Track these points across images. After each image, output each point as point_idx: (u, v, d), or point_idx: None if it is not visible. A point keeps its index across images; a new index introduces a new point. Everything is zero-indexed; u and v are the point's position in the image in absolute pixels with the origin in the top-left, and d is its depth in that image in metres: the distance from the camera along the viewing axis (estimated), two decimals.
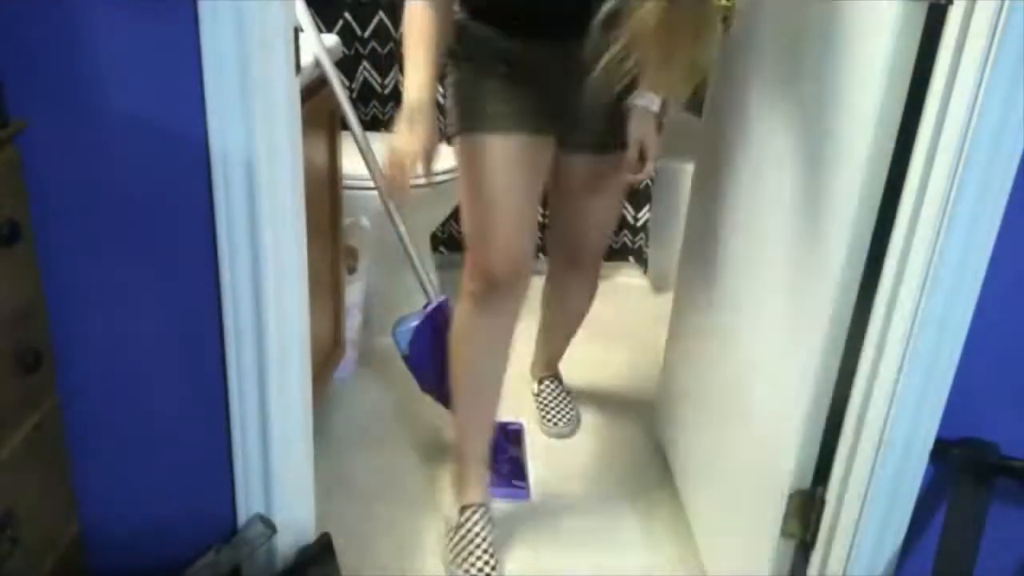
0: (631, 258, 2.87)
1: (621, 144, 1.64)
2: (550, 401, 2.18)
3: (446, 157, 2.37)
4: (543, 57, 1.56)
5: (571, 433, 2.14)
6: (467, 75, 1.64)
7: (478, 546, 1.71)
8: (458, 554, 1.71)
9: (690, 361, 1.90)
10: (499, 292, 1.63)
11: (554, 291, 2.10)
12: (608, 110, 1.61)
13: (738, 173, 1.64)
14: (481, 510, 1.76)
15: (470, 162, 1.62)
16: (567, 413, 2.16)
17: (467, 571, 1.68)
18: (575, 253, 1.94)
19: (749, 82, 1.60)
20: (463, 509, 1.77)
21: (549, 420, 2.15)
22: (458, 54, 1.63)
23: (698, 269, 1.86)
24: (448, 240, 2.90)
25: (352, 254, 2.24)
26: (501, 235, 1.60)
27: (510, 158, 1.58)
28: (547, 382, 2.21)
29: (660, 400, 2.12)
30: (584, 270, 1.99)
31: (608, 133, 1.65)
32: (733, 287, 1.64)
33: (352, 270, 2.24)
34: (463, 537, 1.73)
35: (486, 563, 1.69)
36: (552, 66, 1.55)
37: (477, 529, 1.74)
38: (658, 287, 2.84)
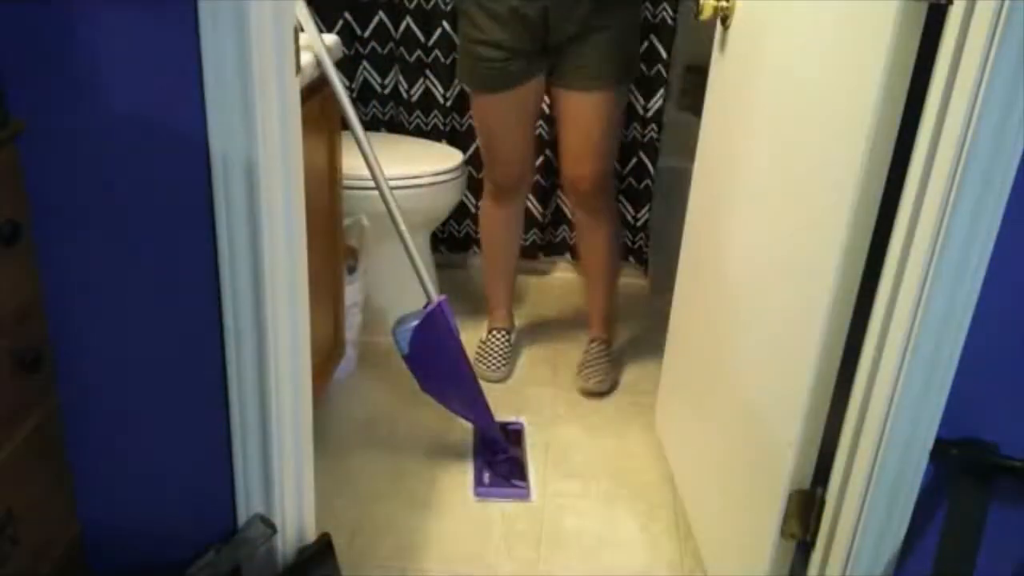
0: (631, 258, 2.87)
1: (607, 78, 2.04)
2: (589, 360, 2.35)
3: (445, 159, 2.40)
4: (526, 7, 1.97)
5: (599, 390, 2.31)
6: (466, 30, 2.10)
7: (495, 354, 2.38)
8: (482, 359, 2.37)
9: (690, 360, 1.90)
10: (504, 191, 2.30)
11: (579, 241, 2.44)
12: (589, 47, 2.01)
13: (738, 172, 1.63)
14: (503, 332, 2.43)
15: (475, 110, 2.25)
16: (600, 373, 2.31)
17: (484, 370, 2.32)
18: (577, 186, 2.21)
19: (749, 82, 1.59)
20: (490, 330, 2.44)
21: (581, 375, 2.33)
22: (460, 7, 2.11)
23: (698, 268, 1.86)
24: (448, 240, 2.90)
25: (352, 254, 2.25)
26: (500, 160, 2.24)
27: (499, 108, 2.14)
28: (593, 343, 2.39)
29: (661, 400, 2.12)
30: (588, 206, 2.25)
31: (592, 68, 2.03)
32: (733, 286, 1.64)
33: (352, 270, 2.24)
34: (487, 346, 2.41)
35: (499, 367, 2.36)
36: (535, 14, 1.98)
37: (496, 343, 2.40)
38: (658, 287, 2.84)
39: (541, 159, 2.70)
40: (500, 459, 2.03)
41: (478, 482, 1.97)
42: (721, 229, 1.71)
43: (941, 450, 1.15)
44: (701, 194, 1.87)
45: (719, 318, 1.71)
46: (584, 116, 2.10)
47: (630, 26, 2.10)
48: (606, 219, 2.28)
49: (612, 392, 2.33)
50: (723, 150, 1.72)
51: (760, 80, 1.55)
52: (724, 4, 1.62)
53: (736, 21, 1.63)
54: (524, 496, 1.94)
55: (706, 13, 1.64)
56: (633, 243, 2.84)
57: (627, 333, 2.57)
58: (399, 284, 2.27)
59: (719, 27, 1.69)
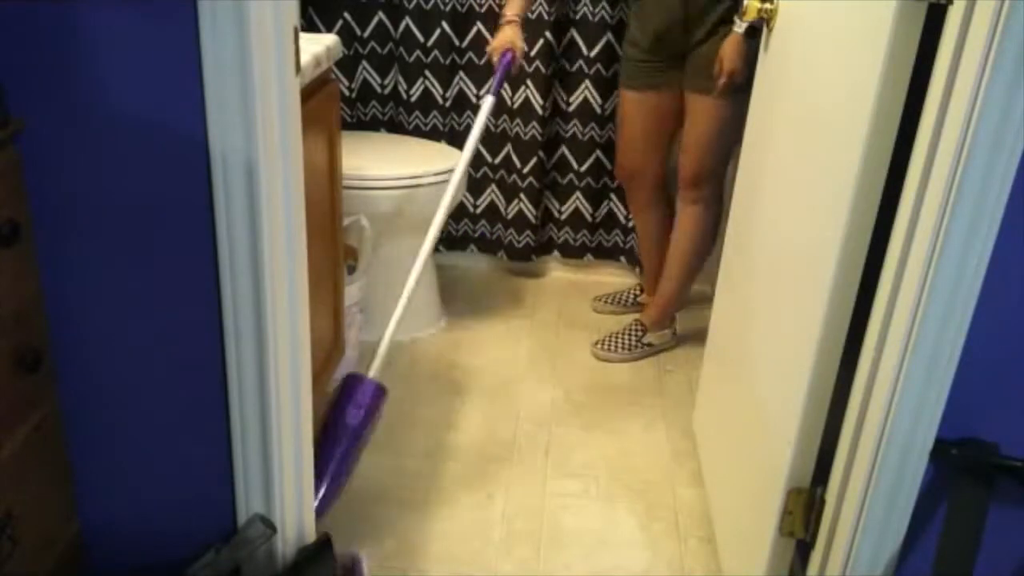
0: (622, 258, 2.88)
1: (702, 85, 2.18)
2: (617, 332, 2.51)
3: (445, 159, 2.40)
4: (655, 20, 2.22)
5: (607, 358, 2.48)
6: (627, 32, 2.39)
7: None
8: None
9: (723, 361, 1.91)
10: (624, 181, 2.55)
11: (675, 226, 2.49)
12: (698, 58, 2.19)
13: (766, 174, 1.66)
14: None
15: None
16: (617, 348, 2.49)
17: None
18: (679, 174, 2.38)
19: (781, 83, 1.61)
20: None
21: (596, 343, 2.50)
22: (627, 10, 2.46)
23: (732, 268, 1.89)
24: (447, 239, 2.91)
25: (352, 254, 2.25)
26: (619, 149, 2.50)
27: (629, 103, 2.39)
28: (633, 322, 2.53)
29: (699, 399, 2.14)
30: (684, 196, 2.38)
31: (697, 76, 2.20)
32: (756, 284, 1.66)
33: (352, 270, 2.24)
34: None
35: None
36: (663, 27, 2.22)
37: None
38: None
39: (535, 160, 2.70)
40: None
41: None
42: (751, 230, 1.72)
43: (941, 450, 1.15)
44: (741, 194, 1.88)
45: (745, 317, 1.73)
46: (697, 116, 2.25)
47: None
48: (699, 210, 2.36)
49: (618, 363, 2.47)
50: (759, 151, 1.73)
51: (787, 81, 1.56)
52: (768, 6, 1.66)
53: (778, 23, 1.65)
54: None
55: (750, 15, 1.69)
56: (624, 243, 2.85)
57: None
58: (399, 284, 2.28)
59: (764, 29, 1.71)
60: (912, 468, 1.17)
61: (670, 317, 2.52)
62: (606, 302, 2.73)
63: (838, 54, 1.31)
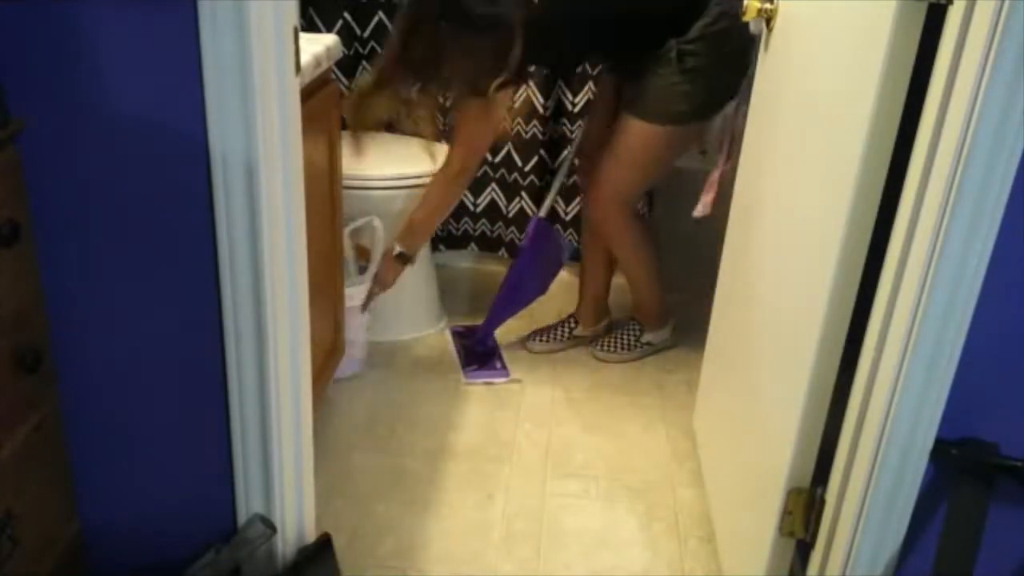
0: None
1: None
2: (616, 333, 2.50)
3: (443, 158, 2.39)
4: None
5: (606, 359, 2.48)
6: None
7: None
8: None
9: (723, 359, 1.91)
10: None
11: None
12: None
13: (766, 171, 1.66)
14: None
15: None
16: (616, 348, 2.48)
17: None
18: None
19: (781, 83, 1.61)
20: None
21: (595, 344, 2.50)
22: None
23: (733, 267, 1.88)
24: (447, 239, 2.91)
25: (364, 254, 2.24)
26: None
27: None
28: (630, 321, 2.51)
29: (699, 397, 2.13)
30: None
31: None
32: (756, 283, 1.66)
33: (364, 270, 2.25)
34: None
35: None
36: None
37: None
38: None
39: (536, 159, 2.70)
40: (479, 350, 2.42)
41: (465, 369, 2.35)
42: (751, 228, 1.72)
43: (941, 450, 1.15)
44: (742, 194, 1.87)
45: (745, 317, 1.73)
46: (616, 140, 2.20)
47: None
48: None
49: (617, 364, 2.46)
50: (759, 150, 1.73)
51: (787, 81, 1.56)
52: (768, 6, 1.66)
53: (778, 22, 1.65)
54: (506, 376, 2.34)
55: (750, 14, 1.69)
56: None
57: None
58: (400, 285, 2.28)
59: (764, 28, 1.72)
60: (912, 468, 1.17)
61: (664, 315, 2.49)
62: (539, 340, 2.50)
63: (838, 54, 1.31)
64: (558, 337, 2.51)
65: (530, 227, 2.39)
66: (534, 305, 2.54)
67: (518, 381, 2.34)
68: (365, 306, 2.22)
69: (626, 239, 2.33)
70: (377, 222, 2.20)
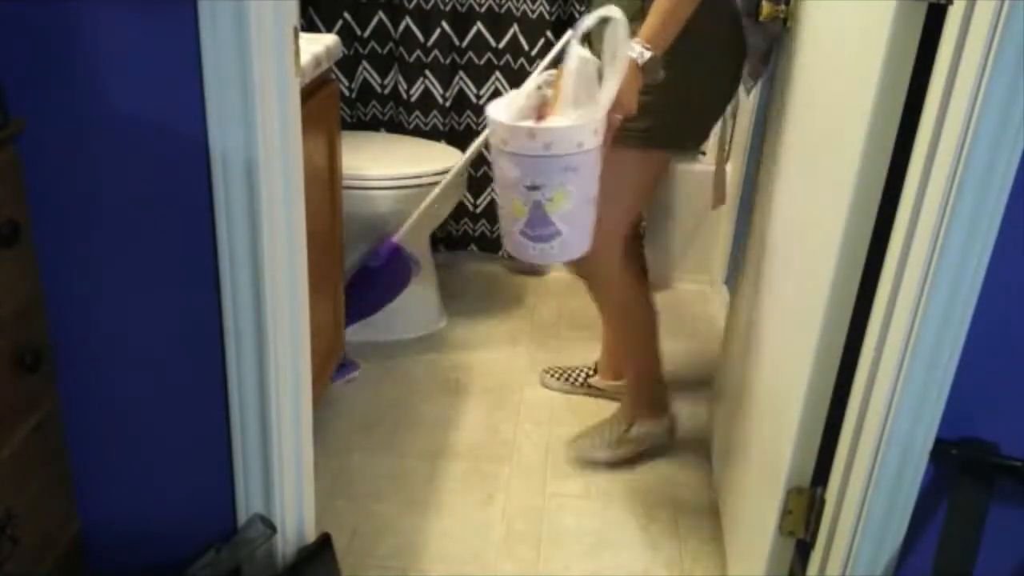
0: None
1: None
2: (598, 425, 2.09)
3: (445, 159, 2.40)
4: None
5: (590, 458, 2.05)
6: None
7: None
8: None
9: (732, 359, 1.91)
10: None
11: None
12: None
13: (779, 170, 1.67)
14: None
15: None
16: (600, 445, 2.05)
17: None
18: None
19: (792, 83, 1.61)
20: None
21: (578, 438, 2.09)
22: None
23: (746, 267, 1.89)
24: (447, 239, 2.91)
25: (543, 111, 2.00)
26: None
27: None
28: (615, 413, 2.10)
29: (714, 396, 2.13)
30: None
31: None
32: (765, 281, 1.66)
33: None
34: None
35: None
36: None
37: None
38: (654, 286, 2.83)
39: None
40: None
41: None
42: (764, 230, 1.73)
43: (941, 450, 1.15)
44: (760, 198, 1.87)
45: (744, 317, 1.73)
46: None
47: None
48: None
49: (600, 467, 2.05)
50: (772, 153, 1.74)
51: (796, 82, 1.57)
52: (782, 8, 1.65)
53: (793, 22, 1.66)
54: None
55: (765, 13, 1.68)
56: None
57: None
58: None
59: (780, 26, 1.72)
60: (912, 468, 1.17)
61: (652, 403, 2.03)
62: (555, 376, 2.33)
63: (838, 54, 1.31)
64: (571, 380, 2.31)
65: (384, 249, 2.29)
66: (530, 304, 2.53)
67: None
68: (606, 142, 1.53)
69: (612, 293, 1.93)
70: (617, 13, 1.49)
